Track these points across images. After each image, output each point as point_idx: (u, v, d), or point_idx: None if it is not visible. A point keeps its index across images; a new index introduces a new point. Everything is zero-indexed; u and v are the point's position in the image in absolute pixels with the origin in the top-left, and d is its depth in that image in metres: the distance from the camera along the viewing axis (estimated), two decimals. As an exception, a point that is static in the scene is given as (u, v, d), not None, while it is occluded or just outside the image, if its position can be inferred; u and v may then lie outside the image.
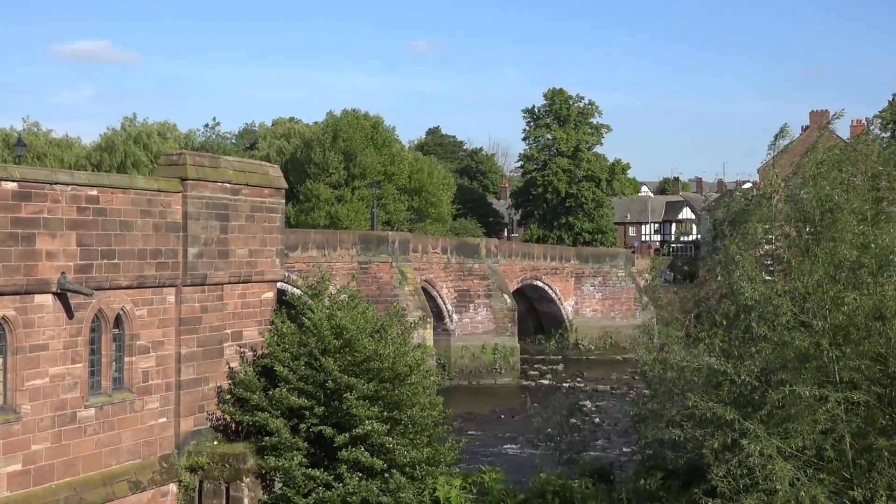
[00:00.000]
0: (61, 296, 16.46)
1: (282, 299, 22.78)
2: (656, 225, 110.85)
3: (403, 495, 18.15)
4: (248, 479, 18.55)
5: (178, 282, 18.71)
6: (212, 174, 19.45)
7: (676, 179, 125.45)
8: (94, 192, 16.99)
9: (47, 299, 16.27)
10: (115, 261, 17.38)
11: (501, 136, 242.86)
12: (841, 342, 13.50)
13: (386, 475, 18.28)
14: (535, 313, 62.06)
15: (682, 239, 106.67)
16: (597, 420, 33.83)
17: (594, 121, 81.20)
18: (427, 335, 39.83)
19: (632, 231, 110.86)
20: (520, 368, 50.71)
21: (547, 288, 58.85)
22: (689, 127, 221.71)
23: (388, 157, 64.58)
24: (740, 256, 14.43)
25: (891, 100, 65.40)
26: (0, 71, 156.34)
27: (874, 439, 12.88)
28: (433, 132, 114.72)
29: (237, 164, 20.69)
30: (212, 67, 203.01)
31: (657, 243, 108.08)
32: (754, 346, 14.10)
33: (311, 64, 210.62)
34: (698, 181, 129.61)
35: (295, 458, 18.42)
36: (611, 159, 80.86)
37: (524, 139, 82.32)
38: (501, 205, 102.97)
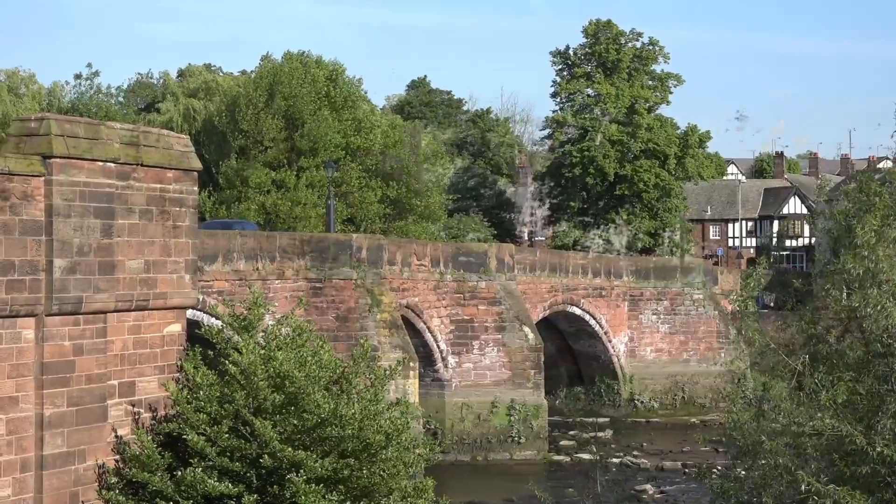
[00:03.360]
0: None
1: (195, 335, 22.79)
2: (750, 223, 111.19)
3: None
4: None
5: (38, 309, 18.69)
6: (89, 149, 19.46)
7: (780, 155, 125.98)
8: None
9: None
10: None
11: (519, 93, 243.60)
12: None
13: None
14: (571, 354, 62.02)
15: (788, 243, 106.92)
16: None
17: (657, 69, 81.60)
18: (410, 387, 39.86)
19: (714, 232, 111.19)
20: (548, 436, 50.66)
21: (588, 317, 58.85)
22: (797, 78, 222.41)
23: (351, 123, 64.67)
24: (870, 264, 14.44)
25: None
26: None
27: None
28: (418, 86, 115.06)
29: (127, 135, 20.71)
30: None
31: (751, 250, 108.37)
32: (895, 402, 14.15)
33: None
34: (812, 158, 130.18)
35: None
36: (682, 126, 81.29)
37: (553, 96, 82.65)
38: (520, 194, 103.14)
